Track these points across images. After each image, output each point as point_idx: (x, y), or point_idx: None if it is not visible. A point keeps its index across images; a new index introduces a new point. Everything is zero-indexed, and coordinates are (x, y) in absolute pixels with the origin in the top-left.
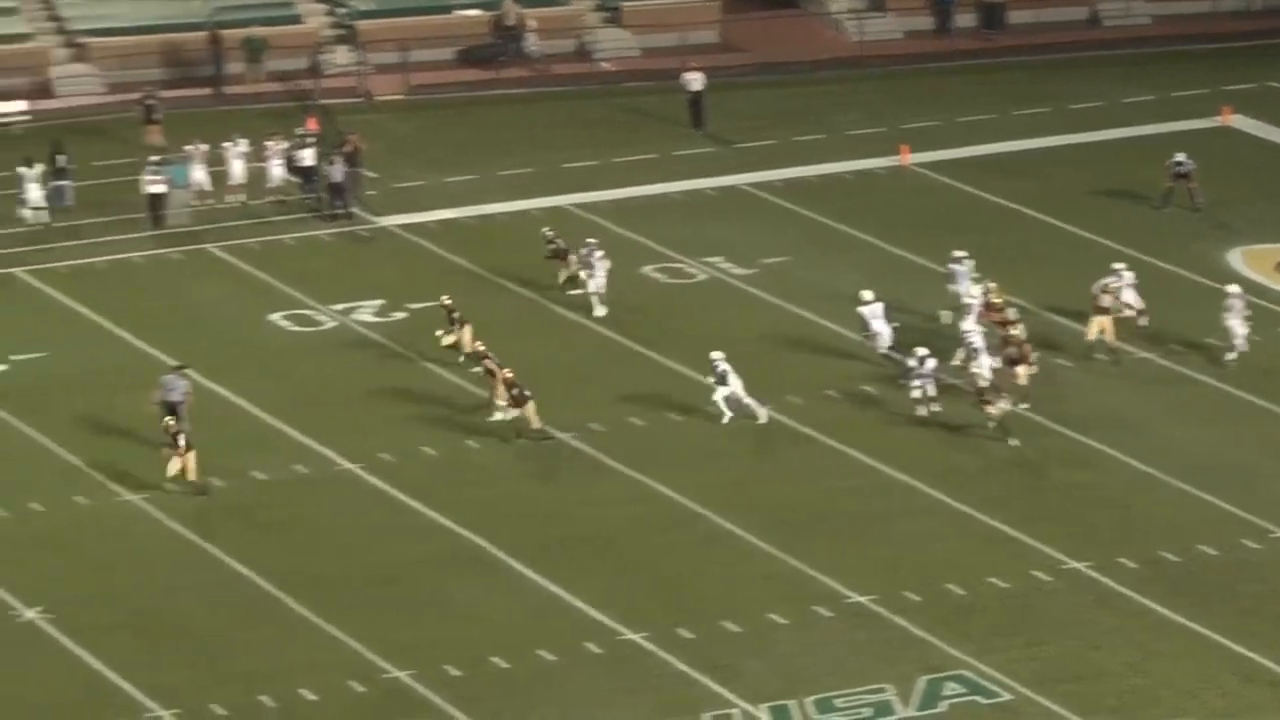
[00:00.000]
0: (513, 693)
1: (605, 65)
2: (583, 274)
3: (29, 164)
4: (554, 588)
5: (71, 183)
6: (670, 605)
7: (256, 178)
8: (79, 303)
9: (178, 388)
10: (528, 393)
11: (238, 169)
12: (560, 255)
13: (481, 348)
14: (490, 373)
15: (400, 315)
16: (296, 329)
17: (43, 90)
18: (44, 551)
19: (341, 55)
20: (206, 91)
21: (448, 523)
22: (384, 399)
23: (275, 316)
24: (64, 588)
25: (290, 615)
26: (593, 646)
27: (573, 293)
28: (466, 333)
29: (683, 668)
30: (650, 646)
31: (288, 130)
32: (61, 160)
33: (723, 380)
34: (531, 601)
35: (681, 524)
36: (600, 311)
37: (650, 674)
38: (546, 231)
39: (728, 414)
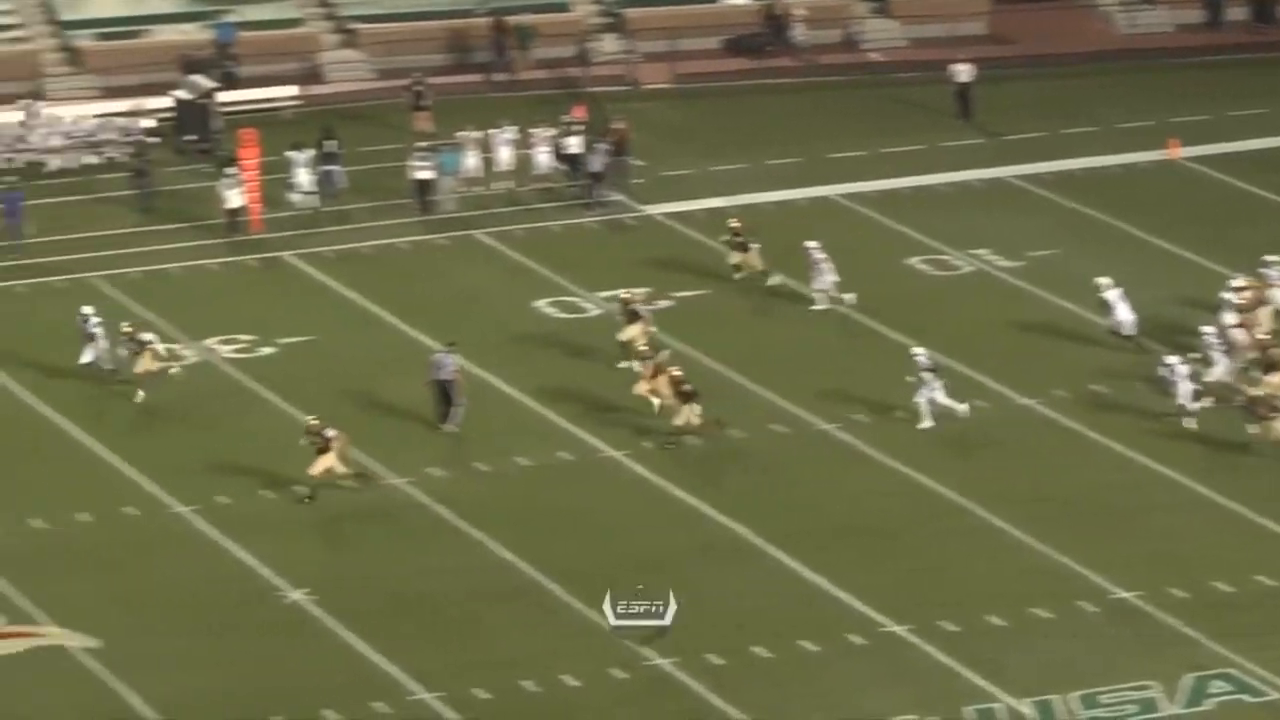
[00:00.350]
0: (774, 682)
1: (873, 55)
2: (811, 278)
3: (298, 149)
4: (815, 577)
5: (340, 168)
6: (932, 597)
7: (523, 165)
8: (346, 287)
9: (446, 366)
10: (693, 392)
11: (505, 156)
12: (740, 248)
13: (644, 347)
14: (656, 373)
15: (665, 304)
16: (562, 315)
17: (312, 76)
18: (309, 533)
19: (609, 43)
20: (474, 78)
21: (709, 511)
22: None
23: (541, 303)
24: (328, 569)
25: (553, 601)
26: (855, 637)
27: (738, 276)
28: (633, 330)
29: (945, 660)
30: (912, 638)
31: (555, 118)
32: (330, 145)
33: (931, 372)
34: (792, 591)
35: (943, 516)
36: (822, 306)
37: (912, 666)
38: (732, 223)
39: (928, 421)
